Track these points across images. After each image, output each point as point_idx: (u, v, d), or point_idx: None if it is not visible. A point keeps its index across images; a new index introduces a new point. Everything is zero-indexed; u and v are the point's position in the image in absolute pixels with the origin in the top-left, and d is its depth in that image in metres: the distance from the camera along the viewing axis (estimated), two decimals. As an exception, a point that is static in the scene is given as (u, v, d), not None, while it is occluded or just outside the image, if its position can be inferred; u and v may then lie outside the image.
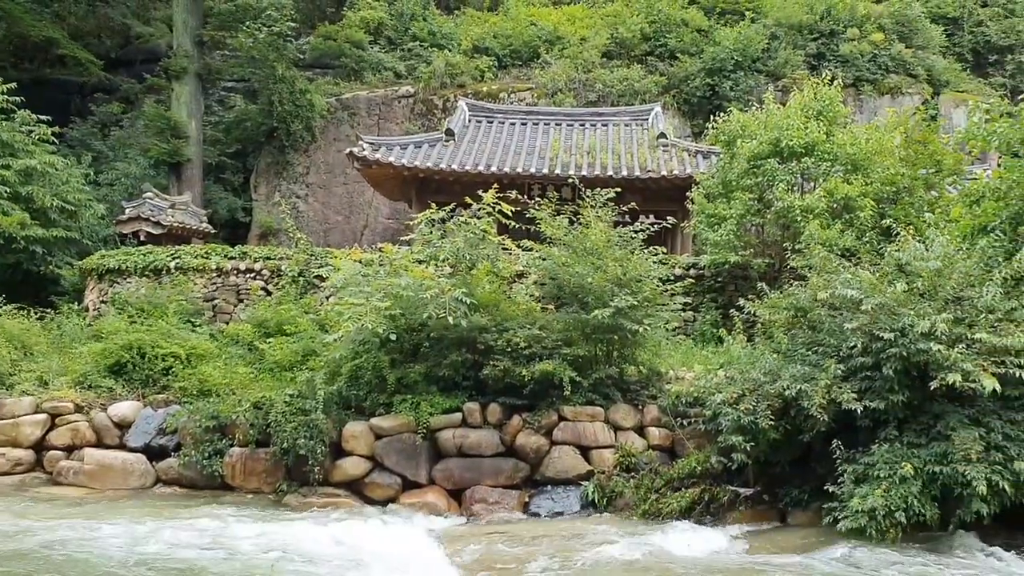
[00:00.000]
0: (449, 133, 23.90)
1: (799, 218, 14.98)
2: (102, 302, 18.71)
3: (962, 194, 13.26)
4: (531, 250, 13.73)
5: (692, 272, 17.24)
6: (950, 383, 9.24)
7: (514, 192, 15.50)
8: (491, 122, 25.45)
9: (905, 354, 9.63)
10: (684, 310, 13.83)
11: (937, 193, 16.03)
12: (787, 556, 9.25)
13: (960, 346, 9.48)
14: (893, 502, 9.17)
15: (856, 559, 8.99)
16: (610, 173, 21.88)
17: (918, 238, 11.50)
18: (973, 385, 9.25)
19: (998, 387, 9.16)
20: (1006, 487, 8.95)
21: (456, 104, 26.97)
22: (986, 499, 9.00)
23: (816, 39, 31.52)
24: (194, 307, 17.52)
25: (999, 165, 13.01)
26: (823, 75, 17.98)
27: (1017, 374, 9.26)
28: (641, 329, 12.17)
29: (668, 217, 15.03)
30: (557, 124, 25.49)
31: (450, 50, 31.52)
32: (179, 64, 28.89)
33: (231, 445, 12.31)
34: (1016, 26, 33.99)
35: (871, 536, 9.19)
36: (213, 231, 24.42)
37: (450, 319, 11.71)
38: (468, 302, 12.05)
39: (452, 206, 13.95)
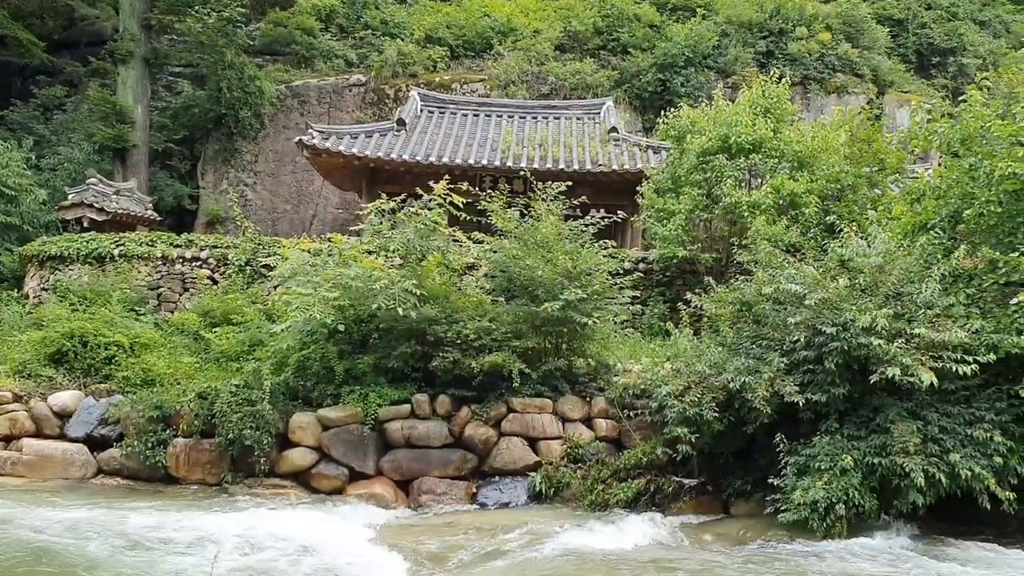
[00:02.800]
0: (401, 123, 23.77)
1: (746, 214, 15.19)
2: (43, 289, 18.32)
3: (904, 192, 13.55)
4: (482, 242, 13.73)
5: (641, 266, 17.45)
6: (889, 377, 9.48)
7: (465, 184, 15.45)
8: (443, 113, 25.37)
9: (846, 348, 9.84)
10: (633, 303, 13.91)
11: (880, 191, 16.36)
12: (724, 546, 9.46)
13: (899, 341, 9.72)
14: (834, 494, 9.37)
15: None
16: (561, 166, 21.97)
17: (861, 235, 11.72)
18: (911, 379, 9.47)
19: (935, 381, 9.39)
20: (942, 478, 9.21)
21: (408, 94, 26.84)
22: (923, 490, 9.24)
23: (765, 37, 31.92)
24: (138, 295, 17.25)
25: (939, 164, 13.31)
26: (772, 73, 18.21)
27: (953, 368, 9.50)
28: (590, 322, 12.25)
29: (618, 211, 15.12)
30: (509, 116, 25.49)
31: (402, 39, 31.33)
32: (125, 48, 28.29)
33: (175, 436, 12.15)
34: (958, 29, 34.77)
35: (813, 528, 9.39)
36: (159, 219, 24.05)
37: (400, 310, 11.68)
38: (418, 293, 12.03)
39: (403, 197, 13.90)
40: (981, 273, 10.81)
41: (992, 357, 9.54)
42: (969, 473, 9.15)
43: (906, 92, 31.41)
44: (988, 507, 9.23)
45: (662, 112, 19.29)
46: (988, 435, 9.35)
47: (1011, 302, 9.83)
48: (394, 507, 11.36)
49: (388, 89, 29.70)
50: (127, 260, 18.04)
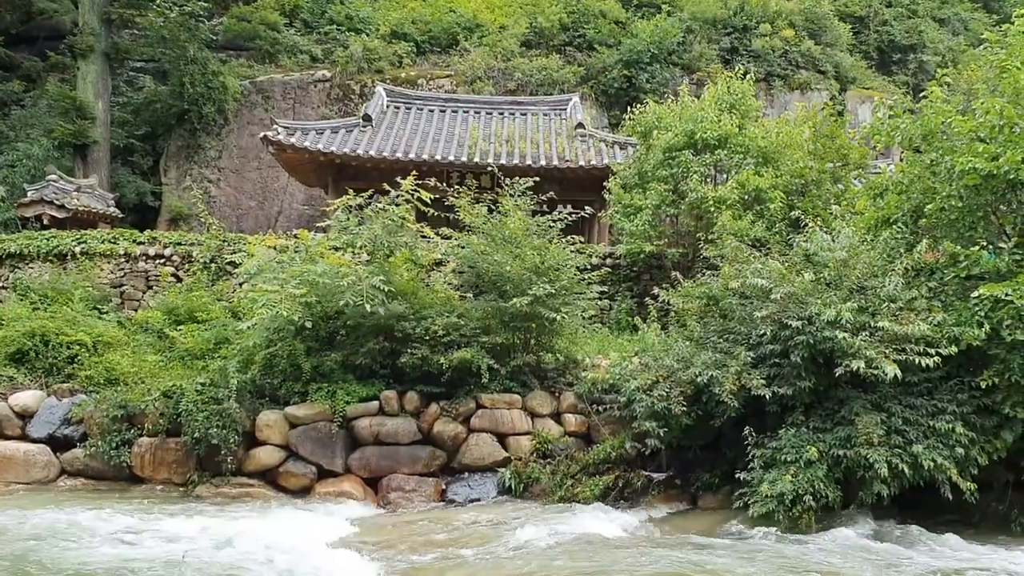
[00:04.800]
0: (366, 119, 23.63)
1: (712, 209, 15.29)
2: (2, 288, 18.01)
3: (867, 187, 13.71)
4: (450, 238, 13.70)
5: (609, 261, 17.53)
6: (854, 369, 9.61)
7: (433, 180, 15.44)
8: (409, 108, 25.27)
9: (812, 342, 9.96)
10: (601, 299, 13.97)
11: (843, 186, 16.56)
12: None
13: (863, 334, 9.85)
14: (800, 486, 9.48)
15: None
16: (529, 162, 21.97)
17: (825, 229, 11.85)
18: (875, 371, 9.60)
19: (899, 373, 9.53)
20: (905, 469, 9.36)
21: (374, 89, 26.69)
22: (887, 481, 9.40)
23: (730, 34, 32.17)
24: (101, 293, 16.99)
25: (901, 160, 13.48)
26: (736, 69, 18.34)
27: (916, 361, 9.65)
28: (559, 317, 12.26)
29: (586, 207, 15.09)
30: (476, 112, 25.44)
31: (368, 35, 31.17)
32: (85, 42, 27.80)
33: (140, 435, 11.97)
34: (918, 26, 35.31)
35: (779, 520, 9.49)
36: (121, 215, 23.72)
37: (367, 306, 11.61)
38: (386, 289, 11.96)
39: (370, 193, 13.82)
40: (942, 267, 11.01)
41: (953, 349, 9.72)
42: (932, 464, 9.31)
43: (868, 88, 31.81)
44: (950, 497, 9.40)
45: (628, 108, 19.41)
46: (950, 426, 9.52)
47: (972, 295, 9.98)
48: (363, 505, 11.30)
49: (354, 85, 29.54)
50: (89, 258, 17.78)
